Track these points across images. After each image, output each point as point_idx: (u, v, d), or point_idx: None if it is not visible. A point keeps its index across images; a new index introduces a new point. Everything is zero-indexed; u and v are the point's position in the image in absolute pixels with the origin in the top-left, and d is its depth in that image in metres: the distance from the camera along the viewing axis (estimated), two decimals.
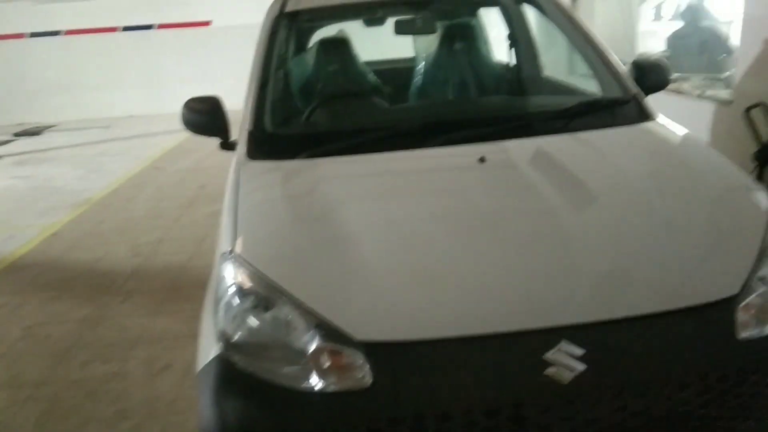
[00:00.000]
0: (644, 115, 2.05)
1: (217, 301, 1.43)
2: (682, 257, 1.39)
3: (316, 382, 1.25)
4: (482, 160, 1.74)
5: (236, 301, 1.38)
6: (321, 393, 1.24)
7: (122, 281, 3.82)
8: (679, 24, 5.93)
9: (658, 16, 7.35)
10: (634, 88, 2.15)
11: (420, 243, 1.46)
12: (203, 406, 1.35)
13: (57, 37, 11.36)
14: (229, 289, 1.40)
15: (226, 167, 2.02)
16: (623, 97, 2.11)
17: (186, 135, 9.52)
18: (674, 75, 5.63)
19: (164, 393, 2.59)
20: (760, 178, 3.32)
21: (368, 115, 2.37)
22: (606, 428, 1.23)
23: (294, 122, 2.36)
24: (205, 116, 2.16)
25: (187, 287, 3.68)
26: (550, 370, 1.20)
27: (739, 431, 1.29)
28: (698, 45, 5.51)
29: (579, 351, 1.21)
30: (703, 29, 5.64)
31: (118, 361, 2.86)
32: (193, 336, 2.99)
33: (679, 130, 2.00)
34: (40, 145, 9.29)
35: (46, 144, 9.31)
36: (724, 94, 4.45)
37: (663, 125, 2.02)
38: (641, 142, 1.95)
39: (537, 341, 1.23)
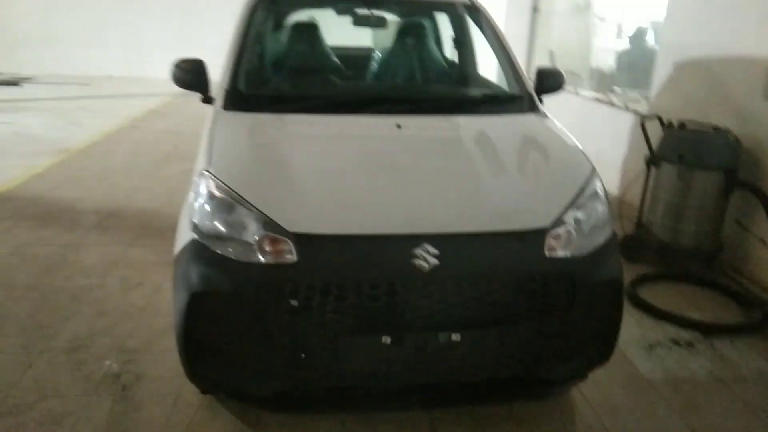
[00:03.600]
0: (532, 108, 2.71)
1: (192, 203, 2.00)
2: (514, 197, 2.05)
3: (259, 257, 1.83)
4: (398, 126, 2.36)
5: (207, 204, 1.95)
6: (263, 264, 1.83)
7: (101, 218, 4.32)
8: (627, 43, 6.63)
9: (619, 35, 8.04)
10: (529, 88, 2.79)
11: (339, 172, 2.10)
12: (179, 276, 1.92)
13: None
14: (203, 196, 1.97)
15: (199, 131, 2.57)
16: (518, 94, 2.76)
17: (162, 99, 9.92)
18: (616, 89, 6.40)
19: (136, 302, 3.14)
20: (646, 178, 3.99)
21: (320, 86, 3.00)
22: (451, 305, 1.86)
23: (262, 85, 2.95)
24: (191, 74, 2.72)
25: (158, 227, 4.20)
26: (415, 261, 1.81)
27: (539, 320, 1.93)
28: (632, 63, 6.23)
29: (435, 251, 1.82)
30: (644, 49, 6.35)
31: (97, 277, 3.39)
32: (162, 264, 3.57)
33: (552, 120, 2.65)
34: (19, 95, 9.55)
35: (24, 95, 9.57)
36: (642, 107, 5.17)
37: (543, 115, 2.67)
38: (520, 124, 2.63)
39: (408, 242, 1.84)
